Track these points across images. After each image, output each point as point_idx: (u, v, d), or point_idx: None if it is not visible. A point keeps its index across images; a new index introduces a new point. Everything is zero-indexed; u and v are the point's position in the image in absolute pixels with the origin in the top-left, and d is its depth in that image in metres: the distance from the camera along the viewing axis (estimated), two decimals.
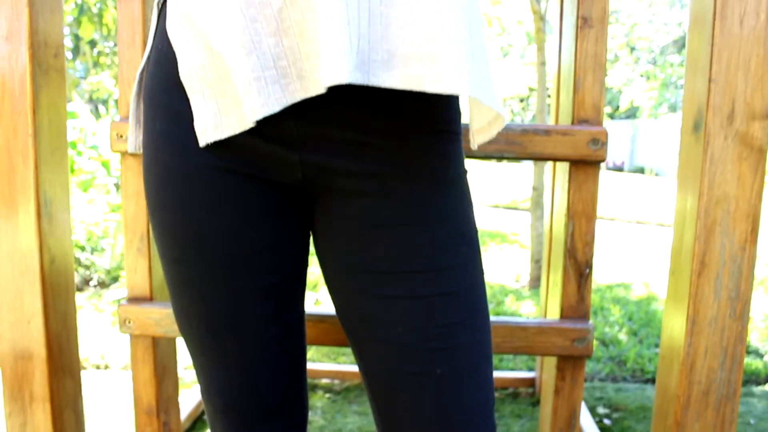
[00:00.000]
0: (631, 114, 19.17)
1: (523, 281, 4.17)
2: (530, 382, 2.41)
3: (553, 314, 1.13)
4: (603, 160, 1.07)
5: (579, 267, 1.09)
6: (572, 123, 1.08)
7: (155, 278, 1.17)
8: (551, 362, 1.14)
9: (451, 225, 0.75)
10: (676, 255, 1.15)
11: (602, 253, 5.23)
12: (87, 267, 4.22)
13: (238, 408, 0.83)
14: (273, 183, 0.76)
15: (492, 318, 1.10)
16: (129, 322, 1.15)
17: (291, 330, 0.85)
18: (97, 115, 6.83)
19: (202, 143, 0.72)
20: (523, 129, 1.05)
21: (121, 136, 1.13)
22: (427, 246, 0.73)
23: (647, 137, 18.08)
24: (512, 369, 2.70)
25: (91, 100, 10.23)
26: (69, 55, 9.26)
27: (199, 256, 0.76)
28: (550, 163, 1.95)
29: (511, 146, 1.04)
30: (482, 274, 0.78)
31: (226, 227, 0.75)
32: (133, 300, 1.17)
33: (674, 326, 1.16)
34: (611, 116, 20.77)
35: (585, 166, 1.08)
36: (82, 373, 2.55)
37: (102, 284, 4.14)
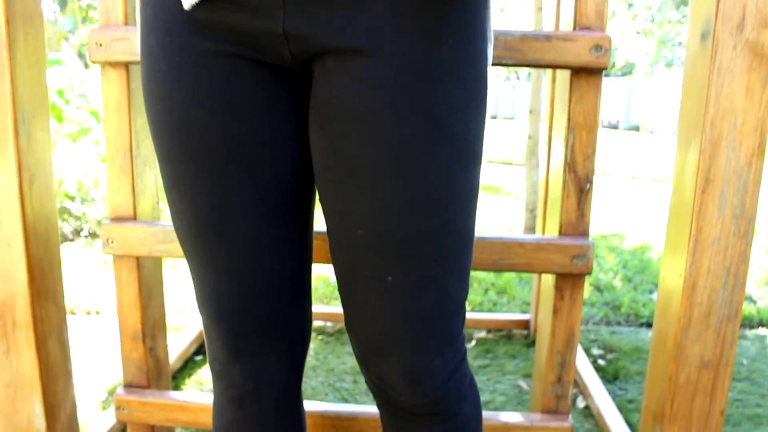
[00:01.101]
0: (627, 71, 19.01)
1: (517, 232, 4.15)
2: (524, 324, 2.40)
3: (552, 233, 1.10)
4: (606, 68, 1.02)
5: (579, 182, 1.05)
6: (574, 29, 1.03)
7: (138, 196, 1.13)
8: (548, 283, 1.11)
9: (434, 120, 0.67)
10: (679, 172, 1.11)
11: (597, 206, 5.21)
12: (78, 218, 4.17)
13: (230, 318, 0.79)
14: (265, 67, 0.71)
15: (489, 235, 1.06)
16: (112, 242, 1.11)
17: (289, 243, 0.80)
18: (86, 65, 6.69)
19: (187, 5, 0.67)
20: (522, 34, 1.00)
21: (101, 45, 1.07)
22: (404, 141, 0.67)
23: (643, 95, 17.96)
24: (507, 311, 2.69)
25: (80, 55, 10.06)
26: (56, 8, 9.07)
27: (187, 149, 0.72)
28: (547, 81, 1.90)
29: (510, 52, 0.99)
30: (470, 186, 0.72)
31: (214, 117, 0.70)
32: (116, 219, 1.13)
33: (676, 246, 1.12)
34: (606, 74, 20.61)
35: (587, 75, 1.03)
36: (73, 318, 2.53)
37: (93, 235, 4.10)
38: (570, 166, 1.05)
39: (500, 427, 1.11)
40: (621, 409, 1.86)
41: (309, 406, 1.14)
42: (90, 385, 1.96)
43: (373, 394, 0.83)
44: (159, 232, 1.10)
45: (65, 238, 3.94)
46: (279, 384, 0.85)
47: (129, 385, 1.20)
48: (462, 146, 0.70)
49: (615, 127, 17.86)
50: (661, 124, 16.48)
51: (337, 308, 2.49)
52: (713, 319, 1.11)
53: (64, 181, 4.22)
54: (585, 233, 1.06)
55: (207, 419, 1.16)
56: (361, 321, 0.75)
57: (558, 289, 1.07)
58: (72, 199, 4.18)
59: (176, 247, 1.11)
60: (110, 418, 1.69)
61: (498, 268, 1.04)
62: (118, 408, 1.18)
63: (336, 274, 0.77)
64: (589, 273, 1.05)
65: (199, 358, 2.17)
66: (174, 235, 1.10)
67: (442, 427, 0.81)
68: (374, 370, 0.77)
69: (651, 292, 2.94)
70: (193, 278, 0.81)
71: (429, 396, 0.76)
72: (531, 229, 3.81)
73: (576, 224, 1.06)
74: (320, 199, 0.75)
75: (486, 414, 1.13)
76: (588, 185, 1.06)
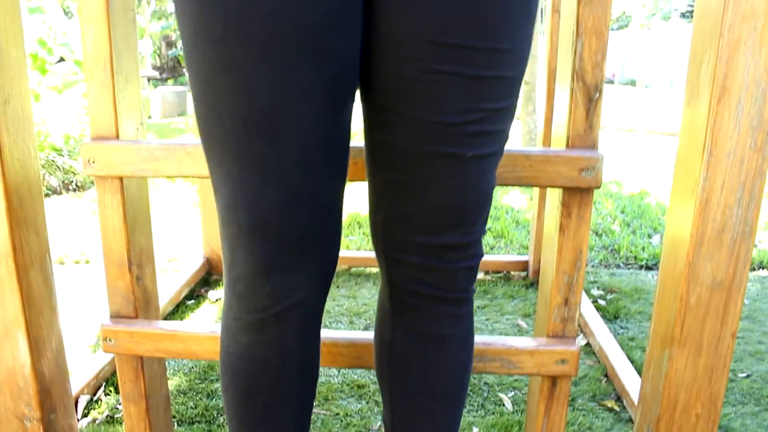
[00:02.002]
0: (623, 24, 18.76)
1: None
2: (523, 266, 2.36)
3: (559, 146, 1.04)
4: None
5: (588, 91, 0.99)
6: None
7: (121, 114, 1.06)
8: (555, 197, 1.05)
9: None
10: (693, 80, 1.05)
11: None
12: (65, 171, 4.10)
13: (268, 228, 0.71)
14: None
15: None
16: (93, 162, 1.05)
17: (339, 141, 0.73)
18: (69, 15, 6.52)
19: None
20: None
21: None
22: (498, 21, 0.67)
23: (639, 49, 17.77)
24: (506, 253, 2.65)
25: (64, 12, 9.82)
26: None
27: (249, 29, 0.62)
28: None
29: None
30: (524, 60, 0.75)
31: None
32: (98, 138, 1.06)
33: (689, 160, 1.07)
34: None
35: None
36: (63, 268, 2.48)
37: (81, 188, 4.03)
38: (578, 74, 0.98)
39: (505, 351, 1.06)
40: (622, 346, 1.82)
41: None
42: (80, 332, 1.92)
43: (388, 286, 0.85)
44: (143, 150, 1.03)
45: (53, 191, 3.87)
46: (306, 305, 0.77)
47: (116, 316, 1.15)
48: (528, 42, 0.74)
49: (611, 82, 17.70)
50: (657, 78, 16.32)
51: None
52: (727, 237, 1.06)
53: (50, 134, 4.13)
54: (594, 145, 1.00)
55: (198, 348, 1.12)
56: (427, 195, 0.75)
57: (564, 205, 1.02)
58: (59, 152, 4.10)
59: (162, 166, 1.04)
60: (100, 361, 1.64)
61: (503, 182, 0.98)
62: (104, 339, 1.13)
63: (385, 153, 0.75)
64: (598, 186, 1.00)
65: (191, 302, 2.13)
66: (160, 153, 1.04)
67: (449, 311, 0.84)
68: (414, 243, 0.78)
69: (650, 236, 2.90)
70: (220, 184, 0.72)
71: (461, 264, 0.80)
72: None
73: (584, 136, 1.00)
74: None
75: (491, 338, 1.08)
76: (597, 94, 0.99)
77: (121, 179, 1.07)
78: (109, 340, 1.13)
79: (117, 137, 1.07)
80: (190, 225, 2.99)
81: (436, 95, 0.69)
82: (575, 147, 1.01)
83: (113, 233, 1.11)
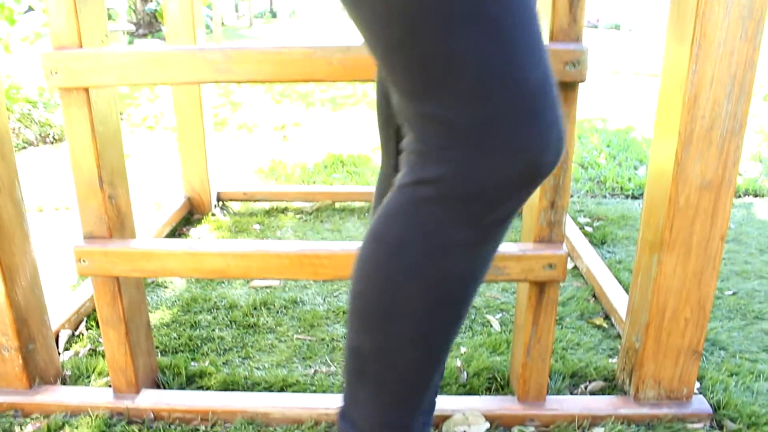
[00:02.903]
0: None
1: None
2: None
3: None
4: None
5: None
6: None
7: (84, 23, 1.00)
8: None
9: None
10: None
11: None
12: (42, 124, 4.00)
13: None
14: None
15: None
16: (56, 72, 1.00)
17: None
18: None
19: None
20: None
21: None
22: None
23: None
24: None
25: None
26: None
27: None
28: None
29: None
30: None
31: None
32: (60, 47, 1.01)
33: (677, 57, 1.03)
34: None
35: None
36: (41, 215, 2.42)
37: (58, 140, 3.94)
38: None
39: None
40: (610, 269, 1.81)
41: (285, 246, 1.06)
42: (61, 276, 1.88)
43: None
44: (108, 57, 0.98)
45: (30, 144, 3.79)
46: None
47: (89, 237, 1.11)
48: None
49: (595, 27, 17.50)
50: (641, 22, 16.16)
51: (316, 186, 2.40)
52: (716, 135, 1.03)
53: (22, 86, 4.02)
54: (578, 39, 0.96)
55: (176, 266, 1.08)
56: None
57: None
58: (33, 104, 4.00)
59: (130, 73, 0.99)
60: (81, 297, 1.61)
61: None
62: (78, 260, 1.09)
63: None
64: (583, 80, 0.96)
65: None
66: (126, 61, 0.99)
67: None
68: None
69: (636, 168, 2.88)
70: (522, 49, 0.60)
71: None
72: None
73: (568, 30, 0.96)
74: None
75: None
76: None
77: (87, 91, 1.02)
78: (83, 261, 1.09)
79: (80, 45, 1.01)
80: (171, 171, 2.93)
81: None
82: (558, 40, 0.96)
83: (82, 150, 1.06)
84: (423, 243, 0.64)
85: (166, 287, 1.75)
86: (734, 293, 1.72)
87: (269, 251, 1.06)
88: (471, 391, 1.26)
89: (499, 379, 1.29)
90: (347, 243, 1.07)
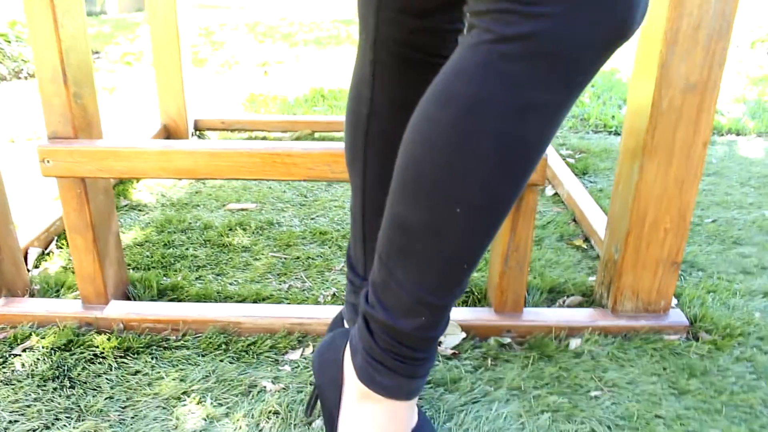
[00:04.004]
0: None
1: None
2: None
3: None
4: None
5: None
6: None
7: None
8: None
9: None
10: None
11: None
12: (14, 59, 3.90)
13: None
14: None
15: None
16: None
17: None
18: None
19: None
20: None
21: None
22: None
23: None
24: None
25: None
26: None
27: None
28: None
29: None
30: None
31: None
32: None
33: None
34: None
35: None
36: (13, 146, 2.36)
37: (32, 75, 3.84)
38: None
39: None
40: (591, 195, 1.80)
41: (256, 145, 1.02)
42: (32, 204, 1.84)
43: (372, 49, 0.81)
44: None
45: (2, 79, 3.69)
46: None
47: (53, 137, 1.06)
48: None
49: None
50: None
51: (296, 117, 2.36)
52: (702, 35, 1.00)
53: None
54: None
55: (144, 166, 1.05)
56: None
57: None
58: (4, 37, 3.89)
59: None
60: (52, 216, 1.57)
61: None
62: (42, 161, 1.05)
63: None
64: None
65: None
66: None
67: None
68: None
69: (620, 107, 2.85)
70: None
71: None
72: None
73: None
74: None
75: None
76: None
77: None
78: (47, 161, 1.05)
79: None
80: (149, 104, 2.87)
81: None
82: None
83: (43, 42, 1.01)
84: (504, 101, 0.59)
85: (140, 210, 1.71)
86: (714, 221, 1.71)
87: (240, 150, 1.02)
88: None
89: (476, 293, 1.28)
90: (319, 143, 1.03)
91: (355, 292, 0.91)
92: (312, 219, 1.65)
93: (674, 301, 1.27)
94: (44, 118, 1.06)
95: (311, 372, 1.06)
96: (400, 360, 0.73)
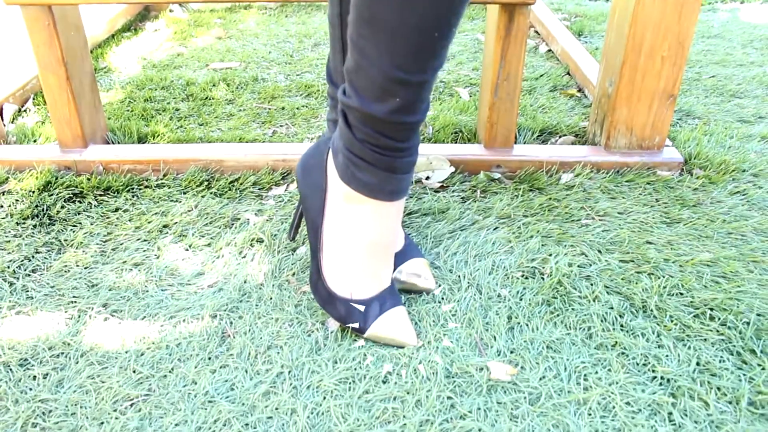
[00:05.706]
0: None
1: None
2: None
3: None
4: None
5: None
6: None
7: None
8: None
9: None
10: None
11: None
12: None
13: None
14: None
15: None
16: None
17: None
18: None
19: None
20: None
21: None
22: None
23: None
24: None
25: None
26: None
27: None
28: None
29: None
30: None
31: None
32: None
33: None
34: None
35: None
36: None
37: None
38: None
39: None
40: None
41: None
42: (6, 65, 1.77)
43: None
44: None
45: None
46: None
47: None
48: None
49: None
50: None
51: None
52: None
53: None
54: None
55: None
56: None
57: None
58: None
59: None
60: (28, 74, 1.51)
61: None
62: None
63: None
64: None
65: (127, 33, 1.96)
66: None
67: None
68: None
69: None
70: None
71: None
72: None
73: None
74: None
75: None
76: None
77: None
78: None
79: None
80: None
81: None
82: None
83: None
84: None
85: (120, 72, 1.65)
86: (713, 76, 1.66)
87: None
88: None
89: (465, 133, 1.24)
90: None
91: (335, 107, 0.88)
92: (298, 75, 1.59)
93: (669, 143, 1.24)
94: None
95: (295, 203, 1.04)
96: (379, 152, 0.70)
